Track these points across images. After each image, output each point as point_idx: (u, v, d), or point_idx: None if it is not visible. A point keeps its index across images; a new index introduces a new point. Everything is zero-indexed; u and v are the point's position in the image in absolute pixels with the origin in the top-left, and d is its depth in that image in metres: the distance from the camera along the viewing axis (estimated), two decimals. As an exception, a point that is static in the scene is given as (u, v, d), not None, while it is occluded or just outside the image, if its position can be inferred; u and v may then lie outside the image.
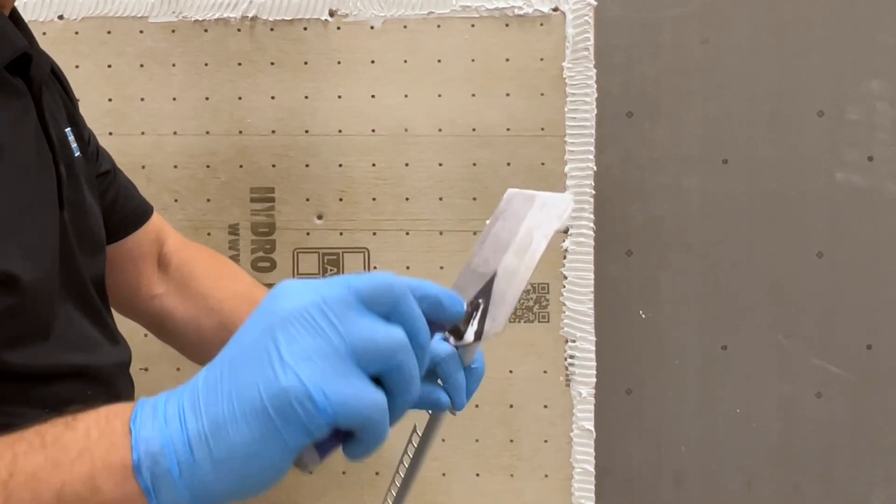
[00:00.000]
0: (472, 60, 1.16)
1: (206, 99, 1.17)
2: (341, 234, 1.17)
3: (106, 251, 0.88)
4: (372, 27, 1.16)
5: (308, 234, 1.17)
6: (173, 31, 1.17)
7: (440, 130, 1.17)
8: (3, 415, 0.69)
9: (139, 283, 0.98)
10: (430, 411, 0.76)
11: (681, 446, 1.36)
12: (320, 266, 1.17)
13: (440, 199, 1.17)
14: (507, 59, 1.15)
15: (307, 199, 1.17)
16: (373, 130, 1.17)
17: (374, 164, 1.17)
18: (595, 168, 1.16)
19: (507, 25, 1.15)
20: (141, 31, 1.17)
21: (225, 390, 0.49)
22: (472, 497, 1.18)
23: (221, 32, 1.17)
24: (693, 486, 1.36)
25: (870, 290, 1.33)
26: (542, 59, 1.15)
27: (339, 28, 1.16)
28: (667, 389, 1.36)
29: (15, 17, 0.79)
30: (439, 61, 1.16)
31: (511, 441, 1.18)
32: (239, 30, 1.17)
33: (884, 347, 1.34)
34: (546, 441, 1.17)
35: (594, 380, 1.16)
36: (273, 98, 1.17)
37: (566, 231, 1.16)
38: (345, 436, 0.52)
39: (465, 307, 0.57)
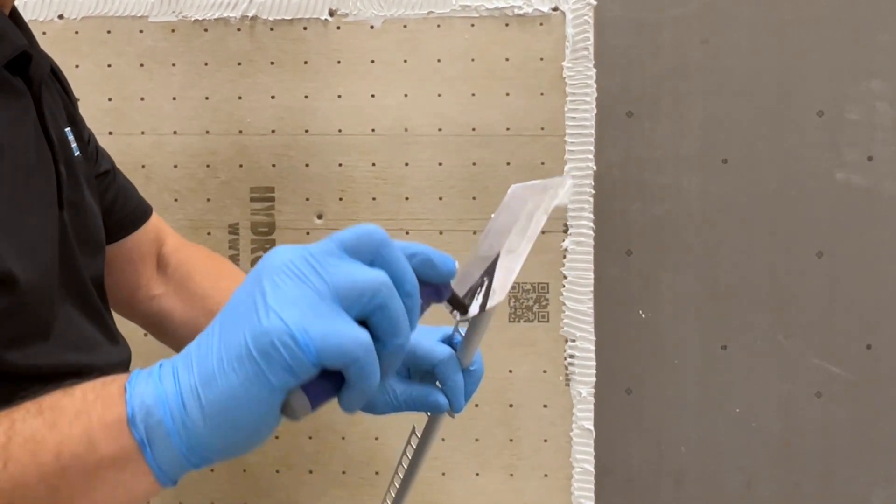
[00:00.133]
0: (472, 60, 1.16)
1: (206, 98, 1.17)
2: (341, 233, 1.17)
3: (105, 251, 0.88)
4: (372, 27, 1.16)
5: (308, 233, 1.18)
6: (173, 30, 1.17)
7: (440, 130, 1.17)
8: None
9: (138, 284, 0.98)
10: (428, 413, 0.76)
11: (681, 446, 1.36)
12: (320, 266, 1.17)
13: (440, 198, 1.17)
14: (507, 59, 1.15)
15: (307, 199, 1.18)
16: (373, 130, 1.17)
17: (373, 164, 1.17)
18: (595, 168, 1.16)
19: (506, 25, 1.15)
20: (141, 31, 1.17)
21: (215, 345, 0.51)
22: (471, 496, 1.18)
23: (221, 32, 1.17)
24: (693, 485, 1.36)
25: (869, 289, 1.33)
26: (541, 59, 1.15)
27: (338, 28, 1.16)
28: (666, 389, 1.36)
29: (15, 16, 0.79)
30: (439, 61, 1.16)
31: (511, 441, 1.18)
32: (239, 29, 1.17)
33: (883, 347, 1.34)
34: (546, 441, 1.17)
35: (594, 379, 1.16)
36: (273, 98, 1.17)
37: (566, 231, 1.16)
38: (338, 386, 0.52)
39: (456, 266, 0.59)
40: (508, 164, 1.16)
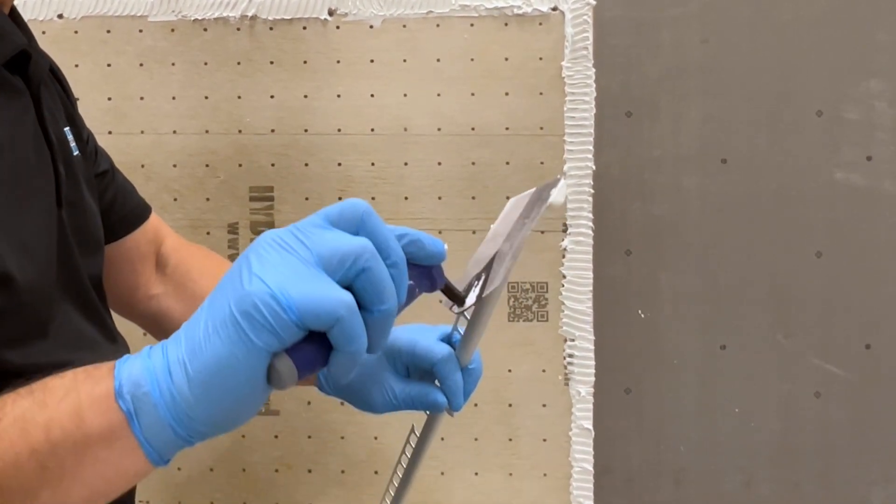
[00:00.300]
0: (472, 60, 1.16)
1: (206, 98, 1.17)
2: (340, 233, 1.17)
3: (104, 251, 0.88)
4: (371, 26, 1.16)
5: (307, 233, 1.17)
6: (173, 30, 1.17)
7: (439, 129, 1.17)
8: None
9: (137, 284, 0.98)
10: (427, 412, 0.76)
11: (680, 446, 1.36)
12: (319, 265, 1.17)
13: (439, 198, 1.17)
14: (507, 59, 1.15)
15: (306, 199, 1.18)
16: (372, 129, 1.17)
17: (373, 164, 1.17)
18: (594, 167, 1.16)
19: (506, 25, 1.15)
20: (140, 31, 1.17)
21: (202, 318, 0.52)
22: (470, 496, 1.18)
23: (221, 31, 1.17)
24: (692, 485, 1.36)
25: (869, 289, 1.33)
26: (541, 59, 1.15)
27: (338, 27, 1.16)
28: (666, 389, 1.36)
29: (14, 15, 0.79)
30: (438, 60, 1.16)
31: (510, 440, 1.18)
32: (238, 29, 1.17)
33: (883, 347, 1.34)
34: (545, 440, 1.17)
35: (593, 379, 1.16)
36: (272, 97, 1.17)
37: (565, 230, 1.16)
38: (326, 354, 0.52)
39: (445, 248, 0.60)
40: (508, 163, 1.16)
